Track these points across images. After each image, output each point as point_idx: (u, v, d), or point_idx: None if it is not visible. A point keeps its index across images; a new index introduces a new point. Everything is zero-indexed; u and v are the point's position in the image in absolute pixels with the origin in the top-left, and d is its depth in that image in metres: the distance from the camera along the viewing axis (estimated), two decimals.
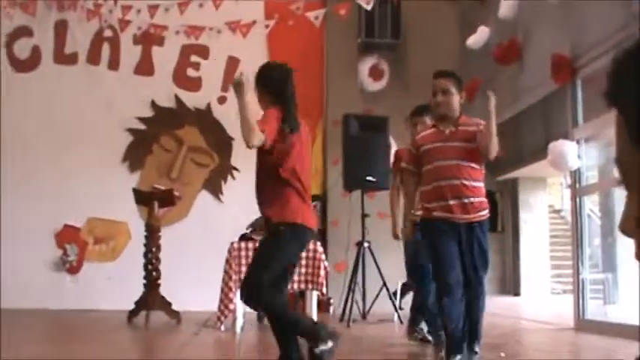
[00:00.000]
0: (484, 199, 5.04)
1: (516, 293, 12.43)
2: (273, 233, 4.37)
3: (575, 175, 8.35)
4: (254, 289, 4.32)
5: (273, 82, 4.52)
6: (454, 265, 4.91)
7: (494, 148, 4.87)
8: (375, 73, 11.70)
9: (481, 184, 5.03)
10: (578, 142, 8.18)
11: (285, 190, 4.37)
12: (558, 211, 18.09)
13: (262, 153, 4.40)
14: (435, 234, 4.99)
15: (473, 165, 4.96)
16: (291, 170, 4.38)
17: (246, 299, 4.41)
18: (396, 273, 9.18)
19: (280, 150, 4.36)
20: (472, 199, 4.92)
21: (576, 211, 8.37)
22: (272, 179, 4.39)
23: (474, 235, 4.96)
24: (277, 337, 4.43)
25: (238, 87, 4.17)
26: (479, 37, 10.03)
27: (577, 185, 8.39)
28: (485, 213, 5.02)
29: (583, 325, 8.03)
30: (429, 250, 5.11)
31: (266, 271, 4.31)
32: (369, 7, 10.40)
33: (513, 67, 9.69)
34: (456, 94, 5.07)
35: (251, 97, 4.25)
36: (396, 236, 6.67)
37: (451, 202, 4.91)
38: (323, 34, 11.80)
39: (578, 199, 8.37)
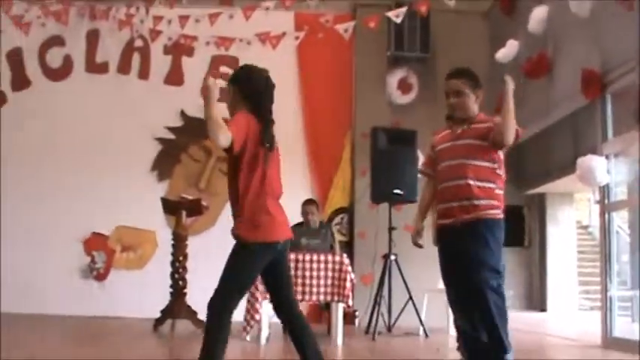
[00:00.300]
0: (494, 202, 4.54)
1: (543, 309, 12.32)
2: (245, 247, 4.21)
3: (604, 190, 8.29)
4: (217, 303, 4.30)
5: (253, 90, 4.30)
6: (460, 306, 4.60)
7: (508, 131, 4.39)
8: (404, 86, 11.70)
9: (492, 185, 4.55)
10: (607, 157, 8.11)
11: (258, 201, 4.18)
12: (585, 227, 17.93)
13: (232, 162, 4.24)
14: (442, 253, 4.71)
15: (483, 164, 4.54)
16: (261, 179, 4.19)
17: (208, 306, 4.32)
18: (423, 286, 9.20)
19: (250, 159, 4.18)
20: (475, 202, 4.49)
21: (605, 227, 8.30)
22: (243, 189, 4.20)
23: (475, 231, 4.50)
24: (296, 346, 4.38)
25: (209, 91, 4.05)
26: (508, 50, 9.98)
27: (606, 201, 8.32)
28: (492, 212, 4.52)
29: (610, 342, 7.95)
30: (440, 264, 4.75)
31: (235, 284, 4.27)
32: (398, 20, 10.39)
33: (542, 81, 9.64)
34: (470, 94, 4.67)
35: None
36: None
37: (454, 205, 4.55)
38: (352, 47, 11.81)
39: (606, 215, 8.31)
